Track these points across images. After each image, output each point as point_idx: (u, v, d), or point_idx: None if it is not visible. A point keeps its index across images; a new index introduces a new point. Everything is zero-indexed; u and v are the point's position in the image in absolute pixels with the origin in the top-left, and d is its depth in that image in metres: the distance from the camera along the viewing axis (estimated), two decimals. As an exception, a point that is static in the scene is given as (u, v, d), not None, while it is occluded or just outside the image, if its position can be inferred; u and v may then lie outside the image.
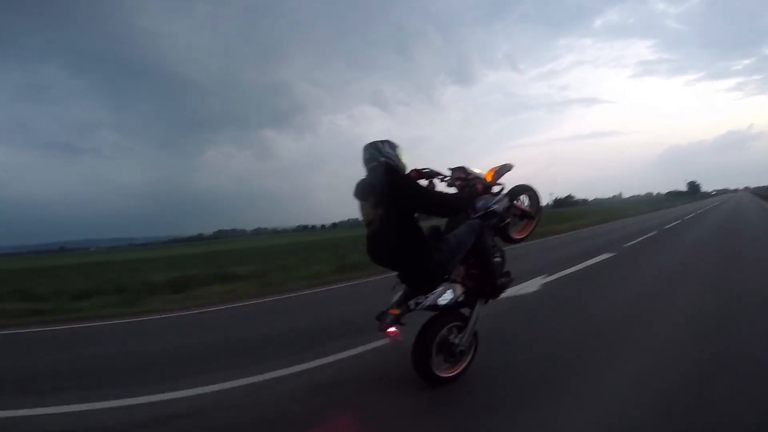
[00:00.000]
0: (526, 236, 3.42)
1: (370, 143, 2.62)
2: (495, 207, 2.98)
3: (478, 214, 2.91)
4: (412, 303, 2.49)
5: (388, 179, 2.45)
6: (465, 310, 2.73)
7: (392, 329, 2.47)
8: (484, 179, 3.01)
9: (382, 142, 2.62)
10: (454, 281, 2.69)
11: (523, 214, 3.35)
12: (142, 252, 66.87)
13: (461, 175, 2.98)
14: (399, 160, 2.61)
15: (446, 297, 2.57)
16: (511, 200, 3.15)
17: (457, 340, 2.61)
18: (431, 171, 2.94)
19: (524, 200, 3.35)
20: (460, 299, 2.66)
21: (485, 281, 2.78)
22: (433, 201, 2.59)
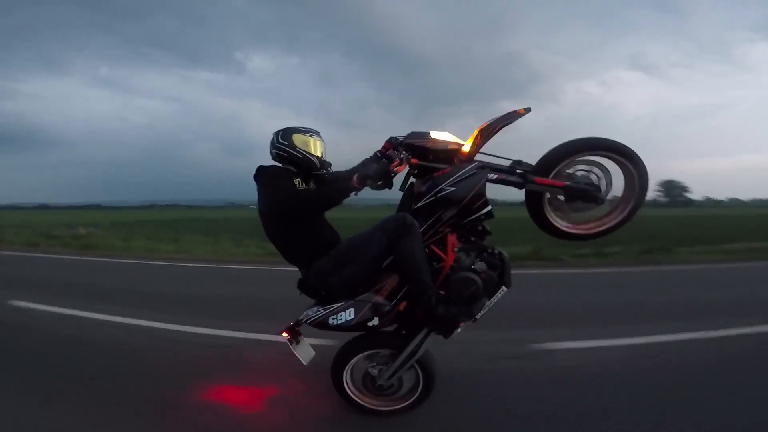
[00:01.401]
0: (597, 232, 2.13)
1: (273, 132, 2.18)
2: (449, 191, 1.93)
3: (419, 204, 1.99)
4: (303, 314, 2.04)
5: (255, 177, 2.06)
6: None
7: (284, 334, 2.13)
8: (440, 144, 2.02)
9: (278, 131, 2.15)
10: (370, 298, 2.00)
11: (578, 194, 2.01)
12: None
13: (410, 142, 2.04)
14: (294, 150, 2.10)
15: (342, 317, 1.98)
16: (529, 173, 2.02)
17: (375, 372, 2.12)
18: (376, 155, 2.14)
19: (590, 173, 2.04)
20: (372, 323, 1.96)
21: (417, 305, 2.02)
22: (279, 196, 1.92)
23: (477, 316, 1.98)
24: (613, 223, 2.12)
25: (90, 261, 8.27)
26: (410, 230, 1.91)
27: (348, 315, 1.96)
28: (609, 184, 2.04)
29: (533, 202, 2.10)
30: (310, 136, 2.14)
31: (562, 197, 2.05)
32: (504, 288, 2.02)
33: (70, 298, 4.58)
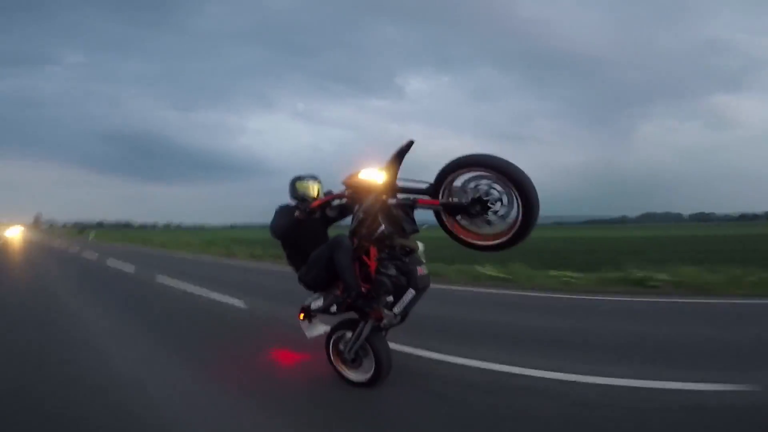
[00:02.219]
0: (497, 243, 2.35)
1: None
2: (359, 217, 2.70)
3: (351, 227, 2.78)
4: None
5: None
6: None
7: (301, 315, 2.98)
8: (349, 185, 2.77)
9: (294, 177, 3.12)
10: (333, 292, 2.83)
11: (452, 209, 2.41)
12: (565, 231, 62.41)
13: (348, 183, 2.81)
14: (296, 191, 3.08)
15: (316, 304, 2.88)
16: (418, 195, 2.54)
17: (341, 347, 2.85)
18: (326, 194, 2.97)
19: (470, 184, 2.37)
20: (332, 309, 2.80)
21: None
22: (272, 225, 2.99)
23: (396, 311, 2.59)
24: (502, 240, 2.31)
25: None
26: (339, 246, 2.72)
27: (319, 303, 2.87)
28: (505, 201, 2.25)
29: (439, 220, 2.56)
30: (307, 182, 3.10)
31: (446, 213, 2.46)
32: (411, 290, 2.57)
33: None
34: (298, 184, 3.10)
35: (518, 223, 2.22)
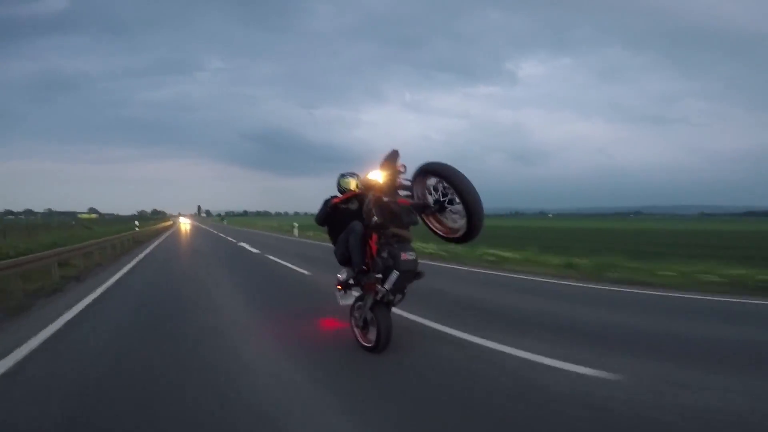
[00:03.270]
0: (456, 237, 3.21)
1: None
2: (365, 206, 3.50)
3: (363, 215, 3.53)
4: None
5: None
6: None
7: (339, 286, 3.78)
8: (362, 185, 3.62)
9: (339, 174, 3.92)
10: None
11: (416, 208, 3.30)
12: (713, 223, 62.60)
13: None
14: (339, 186, 3.88)
15: (341, 276, 3.74)
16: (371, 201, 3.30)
17: (357, 314, 3.52)
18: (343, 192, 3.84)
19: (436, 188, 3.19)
20: (351, 282, 3.65)
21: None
22: (317, 214, 3.94)
23: (386, 287, 3.16)
24: (457, 235, 3.14)
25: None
26: (352, 230, 3.49)
27: (344, 275, 3.73)
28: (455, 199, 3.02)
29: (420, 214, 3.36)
30: (347, 178, 3.86)
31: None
32: (395, 271, 3.13)
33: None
34: (341, 180, 3.90)
35: (465, 227, 3.02)
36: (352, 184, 3.81)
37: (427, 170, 3.11)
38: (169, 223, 51.11)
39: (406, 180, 3.31)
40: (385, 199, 3.21)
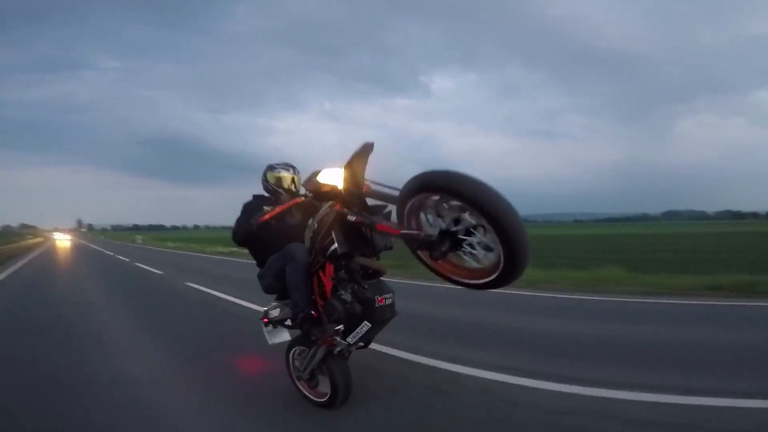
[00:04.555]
0: (487, 282, 1.82)
1: None
2: (314, 227, 2.34)
3: (308, 238, 2.41)
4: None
5: None
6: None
7: (264, 319, 2.60)
8: (315, 186, 2.26)
9: (267, 166, 2.69)
10: (289, 304, 2.44)
11: (413, 242, 1.90)
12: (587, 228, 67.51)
13: (304, 186, 2.42)
14: (266, 183, 2.67)
15: (273, 313, 2.54)
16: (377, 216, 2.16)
17: (297, 364, 2.51)
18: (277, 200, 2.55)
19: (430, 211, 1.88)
20: (287, 323, 2.50)
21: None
22: (233, 228, 2.55)
23: (349, 341, 2.19)
24: (489, 278, 1.76)
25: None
26: (291, 258, 2.28)
27: (276, 312, 2.54)
28: (486, 240, 1.69)
29: (410, 247, 1.98)
30: (278, 171, 2.63)
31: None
32: (366, 323, 2.12)
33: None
34: (270, 174, 2.65)
35: (501, 265, 1.66)
36: (287, 180, 2.61)
37: (429, 185, 1.72)
38: (37, 240, 37.73)
39: (378, 186, 2.16)
40: (352, 216, 2.06)
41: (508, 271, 1.65)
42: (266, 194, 2.67)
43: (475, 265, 1.81)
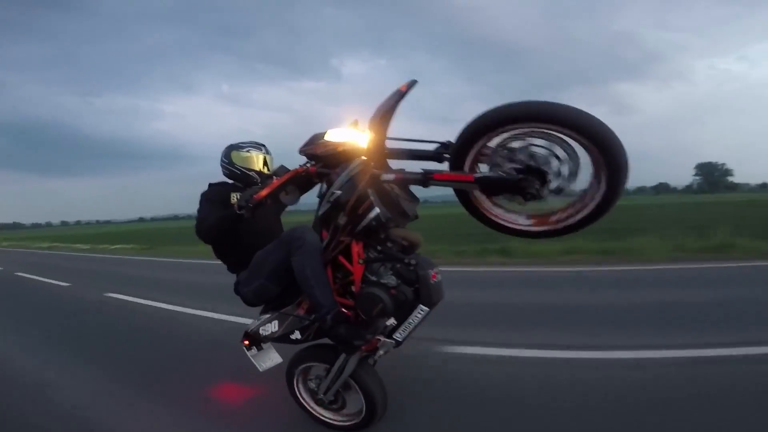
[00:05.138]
0: (536, 232, 1.61)
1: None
2: (336, 194, 1.69)
3: (319, 212, 1.80)
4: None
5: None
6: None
7: (245, 341, 2.05)
8: (330, 147, 1.75)
9: (224, 149, 2.21)
10: (292, 311, 1.94)
11: (494, 187, 1.52)
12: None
13: (302, 150, 1.85)
14: (233, 167, 2.16)
15: (269, 329, 1.96)
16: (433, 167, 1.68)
17: (312, 385, 2.02)
18: (276, 173, 1.88)
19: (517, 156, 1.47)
20: (294, 337, 1.90)
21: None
22: (196, 223, 2.00)
23: (398, 338, 1.73)
24: (569, 222, 1.54)
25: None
26: (300, 243, 1.77)
27: (273, 327, 1.93)
28: (569, 168, 1.45)
29: (464, 200, 1.67)
30: (248, 151, 2.17)
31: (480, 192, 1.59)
32: (422, 307, 1.68)
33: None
34: (236, 155, 2.17)
35: (597, 197, 1.45)
36: (258, 160, 2.17)
37: (513, 117, 1.43)
38: None
39: (399, 141, 1.76)
40: (388, 174, 1.69)
41: (612, 189, 1.41)
42: (230, 181, 2.20)
43: (559, 204, 1.57)
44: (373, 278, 1.74)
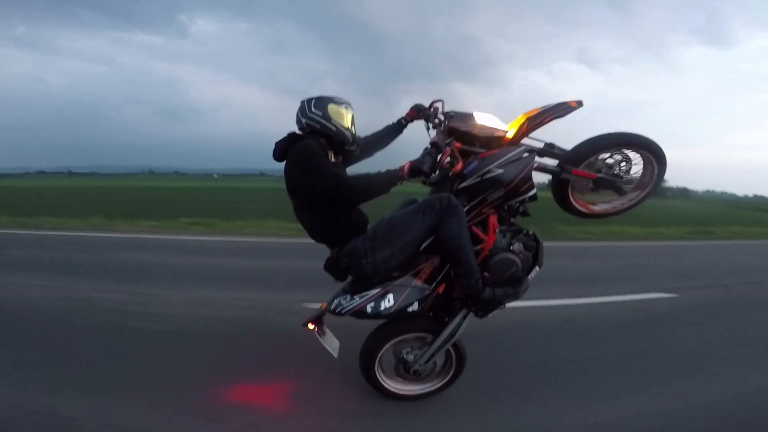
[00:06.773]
0: (612, 212, 2.22)
1: (303, 100, 2.02)
2: (497, 173, 1.87)
3: (463, 184, 1.91)
4: (334, 303, 1.94)
5: (287, 149, 1.91)
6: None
7: (311, 325, 2.06)
8: (487, 131, 2.00)
9: (311, 99, 1.97)
10: (409, 282, 1.90)
11: (606, 185, 2.06)
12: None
13: (456, 126, 2.00)
14: (328, 122, 1.94)
15: (382, 304, 1.85)
16: (565, 163, 2.01)
17: (411, 358, 2.01)
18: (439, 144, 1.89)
19: (620, 161, 2.06)
20: (412, 308, 1.87)
21: (460, 288, 1.94)
22: (322, 184, 1.75)
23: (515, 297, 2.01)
24: (623, 207, 2.23)
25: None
26: (455, 211, 1.83)
27: (387, 302, 1.85)
28: (630, 173, 2.11)
29: (560, 187, 2.14)
30: (345, 107, 1.98)
31: (590, 185, 2.09)
32: (537, 268, 2.03)
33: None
34: (333, 109, 1.95)
35: (655, 174, 2.19)
36: (349, 120, 2.01)
37: (621, 143, 2.06)
38: None
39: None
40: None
41: (660, 175, 2.19)
42: (309, 134, 1.95)
43: (602, 198, 2.25)
44: (503, 245, 2.02)
